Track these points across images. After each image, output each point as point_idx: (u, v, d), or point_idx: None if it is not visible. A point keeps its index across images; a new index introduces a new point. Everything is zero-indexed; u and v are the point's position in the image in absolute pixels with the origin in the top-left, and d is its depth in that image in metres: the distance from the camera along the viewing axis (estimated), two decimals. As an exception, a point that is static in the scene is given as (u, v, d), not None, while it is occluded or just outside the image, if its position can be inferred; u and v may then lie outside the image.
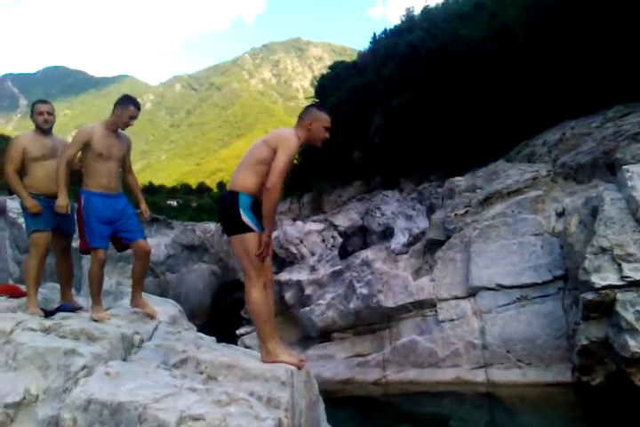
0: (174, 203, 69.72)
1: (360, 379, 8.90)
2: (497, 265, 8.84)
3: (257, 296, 3.29)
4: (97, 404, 2.56)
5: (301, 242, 15.07)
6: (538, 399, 7.11)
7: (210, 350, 3.68)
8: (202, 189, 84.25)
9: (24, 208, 4.29)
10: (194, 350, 3.48)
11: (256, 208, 3.32)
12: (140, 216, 4.50)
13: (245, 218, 3.29)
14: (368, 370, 9.02)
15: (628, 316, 6.42)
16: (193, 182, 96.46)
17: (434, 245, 10.44)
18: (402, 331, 9.30)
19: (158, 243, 20.18)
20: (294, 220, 20.18)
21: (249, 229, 3.30)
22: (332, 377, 8.96)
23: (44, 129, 4.39)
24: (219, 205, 3.60)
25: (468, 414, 7.25)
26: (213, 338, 4.38)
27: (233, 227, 3.36)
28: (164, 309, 5.25)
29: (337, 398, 7.97)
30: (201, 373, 3.13)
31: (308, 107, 3.68)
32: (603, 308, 6.81)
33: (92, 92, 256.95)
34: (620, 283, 6.75)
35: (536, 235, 8.86)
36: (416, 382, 8.35)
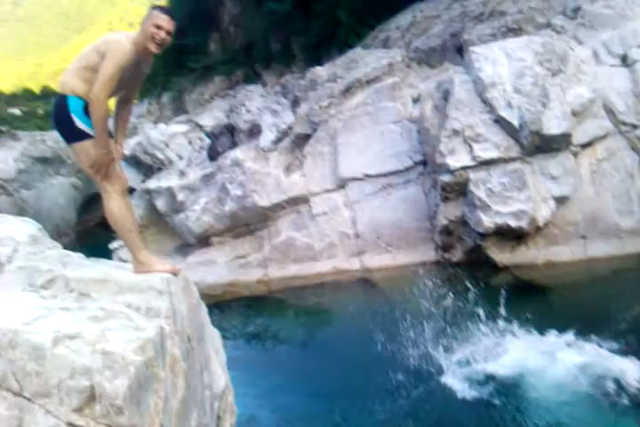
0: (17, 111, 62.68)
1: (244, 280, 9.14)
2: (362, 155, 9.10)
3: (115, 206, 3.13)
4: None
5: (167, 146, 14.45)
6: (407, 279, 7.70)
7: (78, 266, 3.49)
8: (47, 93, 75.88)
9: None
10: (61, 269, 3.27)
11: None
12: None
13: (80, 124, 3.00)
14: (250, 271, 9.26)
15: (481, 194, 7.01)
16: (35, 86, 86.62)
17: (302, 140, 10.46)
18: (279, 229, 9.51)
19: (5, 158, 18.36)
20: (156, 122, 19.07)
21: (87, 135, 3.02)
22: (216, 281, 9.11)
23: None
24: (51, 111, 3.20)
25: (346, 300, 7.77)
26: (81, 254, 4.17)
27: (69, 134, 3.07)
28: (22, 228, 4.85)
29: (223, 301, 8.21)
30: (72, 291, 2.97)
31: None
32: (458, 188, 7.37)
33: None
34: (472, 163, 7.28)
35: (395, 122, 9.13)
36: (297, 276, 8.74)
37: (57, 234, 13.47)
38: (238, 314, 7.67)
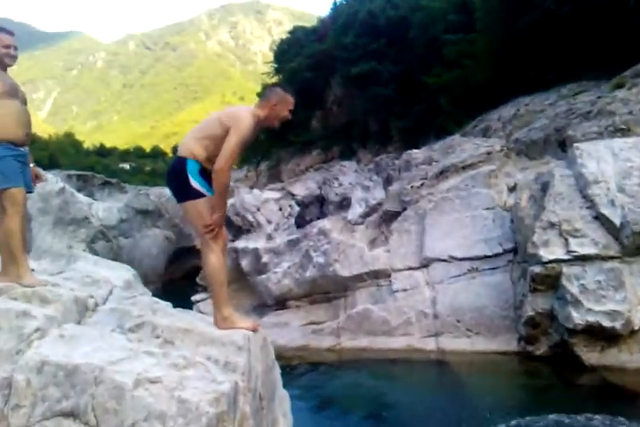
0: (127, 166, 68.05)
1: (315, 346, 9.08)
2: (450, 237, 9.06)
3: (214, 260, 3.30)
4: (52, 366, 2.52)
5: (258, 210, 15.02)
6: (485, 367, 7.42)
7: (166, 314, 3.66)
8: (156, 152, 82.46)
9: None
10: (150, 315, 3.45)
11: (204, 173, 3.30)
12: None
13: (195, 183, 3.27)
14: (323, 337, 9.21)
15: (573, 289, 6.74)
16: (147, 145, 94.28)
17: (390, 217, 10.60)
18: (357, 300, 9.50)
19: (110, 207, 19.78)
20: (251, 187, 20.11)
21: (200, 195, 3.28)
22: (288, 344, 9.11)
23: (5, 66, 3.64)
24: (167, 171, 3.51)
25: (417, 380, 7.51)
26: (169, 303, 4.36)
27: (183, 193, 3.34)
28: (119, 273, 5.17)
29: (293, 364, 8.16)
30: (157, 337, 3.11)
31: (273, 86, 3.63)
32: (549, 281, 7.13)
33: (41, 47, 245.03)
34: (567, 257, 7.06)
35: (488, 209, 9.10)
36: (369, 349, 8.58)
37: (145, 282, 14.10)
38: (306, 379, 7.57)
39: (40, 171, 4.04)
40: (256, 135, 3.58)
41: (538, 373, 6.82)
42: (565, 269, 6.96)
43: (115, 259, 13.60)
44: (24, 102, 3.72)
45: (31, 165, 3.84)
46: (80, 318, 3.33)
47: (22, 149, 3.61)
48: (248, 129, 3.30)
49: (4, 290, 3.24)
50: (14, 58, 3.68)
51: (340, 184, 15.13)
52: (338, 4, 31.15)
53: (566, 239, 7.18)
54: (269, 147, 24.76)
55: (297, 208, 15.03)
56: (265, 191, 17.08)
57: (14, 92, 3.61)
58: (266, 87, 3.67)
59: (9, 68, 3.73)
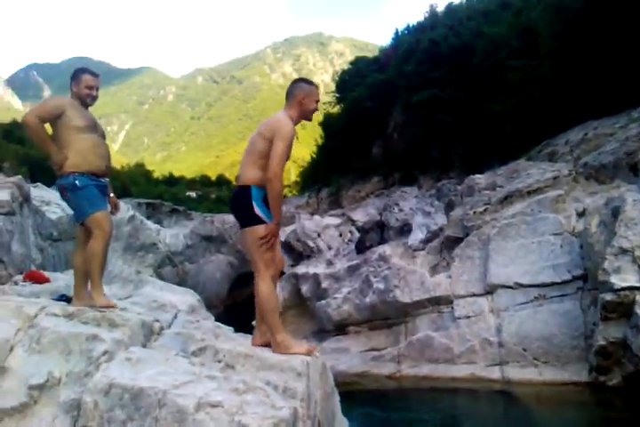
0: (193, 194, 70.24)
1: (375, 372, 8.94)
2: (515, 264, 8.79)
3: (265, 288, 3.34)
4: (118, 388, 2.59)
5: (319, 236, 15.15)
6: (554, 398, 7.06)
7: (228, 339, 3.74)
8: (221, 181, 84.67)
9: (73, 186, 3.66)
10: (212, 339, 3.53)
11: (267, 200, 3.36)
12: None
13: (258, 210, 3.33)
14: (383, 364, 9.05)
15: (648, 317, 6.38)
16: (212, 174, 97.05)
17: (451, 242, 10.42)
18: (417, 326, 9.32)
19: (177, 233, 20.49)
20: (312, 214, 20.27)
21: (261, 221, 3.34)
22: (347, 370, 9.00)
23: (86, 105, 3.92)
24: (231, 200, 3.61)
25: (482, 411, 7.22)
26: (231, 328, 4.43)
27: (246, 219, 3.40)
28: (184, 298, 5.34)
29: (352, 391, 8.03)
30: (219, 361, 3.17)
31: (296, 82, 3.67)
32: (622, 309, 6.78)
33: (116, 83, 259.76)
34: (641, 285, 6.71)
35: (556, 234, 8.79)
36: (430, 377, 8.36)
37: (209, 306, 14.45)
38: (365, 407, 7.42)
39: (117, 201, 4.25)
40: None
41: (611, 405, 6.44)
42: (639, 296, 6.60)
43: (180, 283, 14.01)
44: (103, 136, 4.00)
45: (111, 195, 4.07)
46: (146, 341, 3.43)
47: (102, 180, 3.86)
48: (290, 133, 3.37)
49: (75, 314, 3.38)
50: (95, 98, 3.96)
51: (401, 210, 15.07)
52: (399, 33, 31.47)
53: (640, 266, 6.83)
54: (330, 174, 24.96)
55: (357, 234, 15.05)
56: (325, 217, 17.22)
57: (94, 127, 3.89)
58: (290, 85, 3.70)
59: None
